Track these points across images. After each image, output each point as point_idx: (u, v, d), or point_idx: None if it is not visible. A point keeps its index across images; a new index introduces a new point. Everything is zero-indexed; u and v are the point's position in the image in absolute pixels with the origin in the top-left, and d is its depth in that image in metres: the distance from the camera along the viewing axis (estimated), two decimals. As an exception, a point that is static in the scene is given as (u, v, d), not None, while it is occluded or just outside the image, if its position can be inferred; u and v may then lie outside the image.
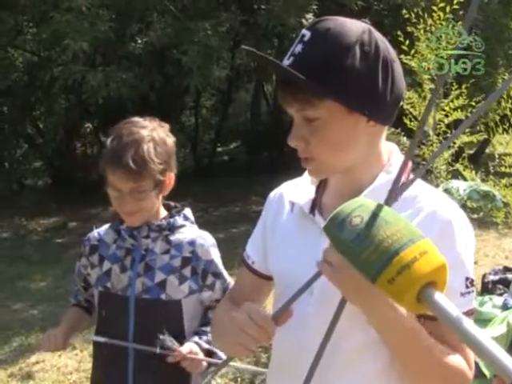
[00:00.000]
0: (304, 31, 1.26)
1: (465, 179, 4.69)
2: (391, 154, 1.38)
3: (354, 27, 1.24)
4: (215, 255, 2.09)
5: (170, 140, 2.02)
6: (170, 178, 2.02)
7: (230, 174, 13.09)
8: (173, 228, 2.05)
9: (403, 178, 1.12)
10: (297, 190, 1.45)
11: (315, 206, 1.40)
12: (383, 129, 1.34)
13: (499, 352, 0.84)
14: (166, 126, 2.05)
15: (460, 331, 0.87)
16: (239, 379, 4.35)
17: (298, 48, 1.24)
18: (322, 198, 1.41)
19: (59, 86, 9.80)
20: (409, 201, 1.28)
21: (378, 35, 1.27)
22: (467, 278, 1.28)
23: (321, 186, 1.44)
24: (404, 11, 5.06)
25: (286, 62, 1.25)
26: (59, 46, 9.51)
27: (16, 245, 8.84)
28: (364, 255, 0.92)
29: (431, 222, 1.27)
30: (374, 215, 0.95)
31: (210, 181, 12.35)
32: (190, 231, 2.08)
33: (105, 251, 2.09)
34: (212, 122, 17.54)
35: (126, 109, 10.54)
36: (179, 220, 2.08)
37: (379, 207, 0.98)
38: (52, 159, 13.08)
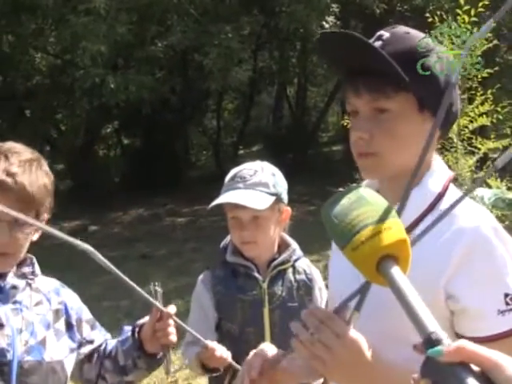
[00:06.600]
0: (381, 32, 1.27)
1: (490, 187, 4.60)
2: (434, 160, 1.34)
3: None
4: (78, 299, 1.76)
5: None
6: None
7: (252, 178, 13.05)
8: (34, 274, 1.69)
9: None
10: None
11: None
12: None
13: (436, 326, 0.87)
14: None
15: (403, 303, 0.91)
16: None
17: (377, 44, 1.24)
18: None
19: (79, 88, 9.87)
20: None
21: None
22: (507, 295, 1.18)
23: None
24: (427, 15, 4.98)
25: None
26: (78, 49, 9.59)
27: (37, 248, 8.88)
28: (340, 227, 1.02)
29: (459, 235, 1.20)
30: (360, 197, 1.05)
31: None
32: (45, 279, 1.73)
33: None
34: (234, 125, 17.59)
35: (147, 112, 10.57)
36: (36, 267, 1.73)
37: (367, 192, 1.07)
38: (74, 162, 13.17)
